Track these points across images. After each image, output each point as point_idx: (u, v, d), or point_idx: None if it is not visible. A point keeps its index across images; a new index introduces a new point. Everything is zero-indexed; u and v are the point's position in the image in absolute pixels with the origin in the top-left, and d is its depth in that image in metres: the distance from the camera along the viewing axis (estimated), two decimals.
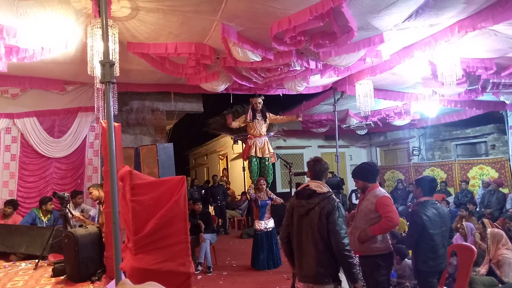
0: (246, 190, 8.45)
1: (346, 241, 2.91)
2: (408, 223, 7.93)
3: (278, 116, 7.91)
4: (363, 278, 4.29)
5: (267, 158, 7.27)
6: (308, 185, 3.15)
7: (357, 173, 3.95)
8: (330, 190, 3.10)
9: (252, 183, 7.27)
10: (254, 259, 6.84)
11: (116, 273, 2.86)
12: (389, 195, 3.94)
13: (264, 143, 7.28)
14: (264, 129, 7.35)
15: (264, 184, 6.94)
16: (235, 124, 7.41)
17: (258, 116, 7.28)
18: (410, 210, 3.62)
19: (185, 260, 2.38)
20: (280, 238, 3.36)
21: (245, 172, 11.84)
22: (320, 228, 2.97)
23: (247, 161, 7.40)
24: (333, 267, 2.98)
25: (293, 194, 3.54)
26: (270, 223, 6.93)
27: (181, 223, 2.38)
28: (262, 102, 7.36)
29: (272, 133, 10.54)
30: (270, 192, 7.03)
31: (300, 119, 7.83)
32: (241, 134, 9.05)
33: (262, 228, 6.83)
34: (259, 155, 7.20)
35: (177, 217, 2.37)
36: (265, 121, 7.34)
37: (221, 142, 15.99)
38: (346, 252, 2.88)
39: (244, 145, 9.43)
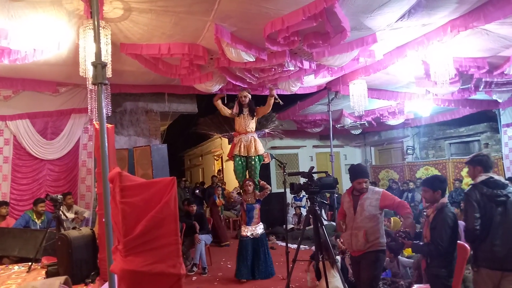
0: (229, 192, 7.75)
1: None
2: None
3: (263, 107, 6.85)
4: (354, 276, 4.36)
5: (253, 158, 6.53)
6: (492, 177, 3.40)
7: (365, 172, 4.14)
8: None
9: (238, 185, 6.66)
10: (237, 268, 6.17)
11: (109, 275, 2.85)
12: None
13: (251, 140, 6.54)
14: (251, 125, 6.66)
15: (250, 186, 6.30)
16: (224, 111, 6.73)
17: (245, 111, 6.65)
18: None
19: (175, 261, 2.37)
20: (469, 230, 3.35)
21: None
22: None
23: (232, 161, 6.68)
24: None
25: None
26: (258, 229, 6.30)
27: (172, 225, 2.37)
28: (250, 96, 6.73)
29: (267, 130, 10.11)
30: (258, 193, 6.38)
31: (273, 92, 6.74)
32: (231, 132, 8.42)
33: (248, 234, 6.21)
34: (244, 154, 6.48)
35: (168, 218, 2.36)
36: (253, 117, 6.70)
37: (216, 143, 15.95)
38: None
39: None
